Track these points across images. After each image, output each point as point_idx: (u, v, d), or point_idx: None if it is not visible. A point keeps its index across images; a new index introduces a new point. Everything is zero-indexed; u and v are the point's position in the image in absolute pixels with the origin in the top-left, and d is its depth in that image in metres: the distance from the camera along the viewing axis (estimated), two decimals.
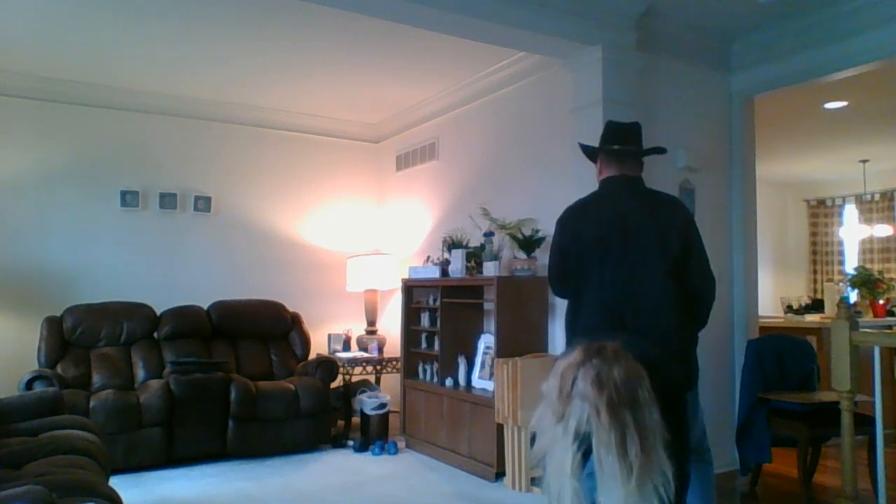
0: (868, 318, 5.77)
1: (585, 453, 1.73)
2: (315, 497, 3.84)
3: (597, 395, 1.71)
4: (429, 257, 5.24)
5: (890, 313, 5.96)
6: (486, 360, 4.53)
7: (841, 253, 8.94)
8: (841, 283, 7.29)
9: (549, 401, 1.80)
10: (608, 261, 2.33)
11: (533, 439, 1.89)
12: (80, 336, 4.75)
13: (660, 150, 2.59)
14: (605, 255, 2.33)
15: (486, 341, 4.59)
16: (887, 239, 8.19)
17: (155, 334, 5.01)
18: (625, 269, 2.31)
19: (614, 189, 2.46)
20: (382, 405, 5.00)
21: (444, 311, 4.72)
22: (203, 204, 5.69)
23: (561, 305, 4.12)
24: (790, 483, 4.05)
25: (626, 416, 1.70)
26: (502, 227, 4.46)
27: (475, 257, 4.59)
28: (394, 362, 5.48)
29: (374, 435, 4.93)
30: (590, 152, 2.61)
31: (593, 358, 1.78)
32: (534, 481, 3.86)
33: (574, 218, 2.49)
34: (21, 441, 2.83)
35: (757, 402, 3.80)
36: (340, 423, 5.33)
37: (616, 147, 2.48)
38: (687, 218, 2.40)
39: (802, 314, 5.98)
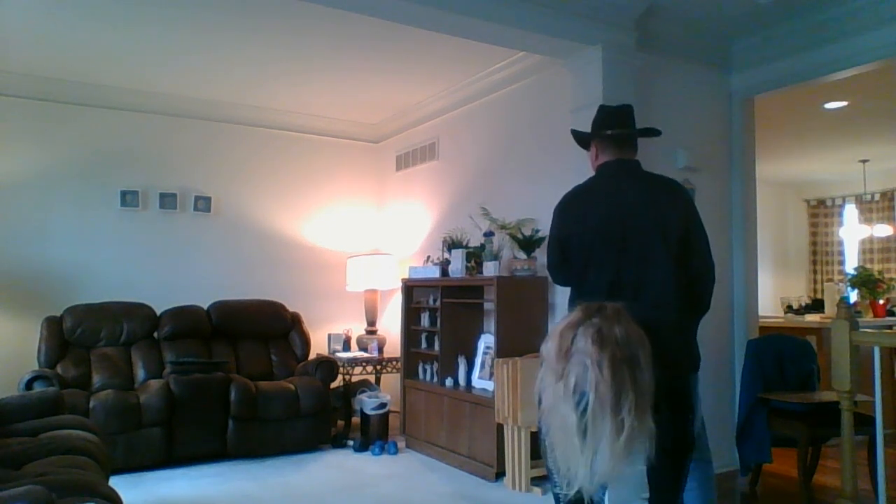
0: (868, 318, 5.77)
1: (584, 411, 1.72)
2: (315, 497, 3.84)
3: (598, 351, 1.69)
4: (429, 257, 5.24)
5: (890, 313, 5.96)
6: (486, 360, 4.53)
7: (841, 253, 8.95)
8: (841, 283, 7.29)
9: (548, 362, 1.79)
10: (609, 246, 2.31)
11: (539, 402, 1.88)
12: (80, 336, 4.75)
13: (654, 132, 2.56)
14: (605, 241, 2.31)
15: (486, 341, 4.59)
16: (887, 239, 8.19)
17: (155, 334, 5.02)
18: (626, 254, 2.29)
19: (613, 174, 2.43)
20: (382, 405, 5.00)
21: (444, 311, 4.72)
22: (203, 204, 5.69)
23: (561, 305, 4.13)
24: (790, 483, 4.05)
25: (625, 374, 1.69)
26: (502, 227, 4.46)
27: (475, 257, 4.59)
28: (394, 362, 5.49)
29: (374, 435, 4.93)
30: (583, 139, 2.59)
31: (593, 316, 1.76)
32: (534, 481, 3.87)
33: (573, 204, 2.47)
34: (21, 441, 2.83)
35: (757, 402, 3.80)
36: (340, 423, 5.33)
37: (611, 132, 2.44)
38: (687, 201, 2.38)
39: (802, 314, 5.99)
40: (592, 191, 2.45)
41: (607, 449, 1.66)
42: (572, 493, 1.77)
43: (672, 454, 1.87)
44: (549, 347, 1.80)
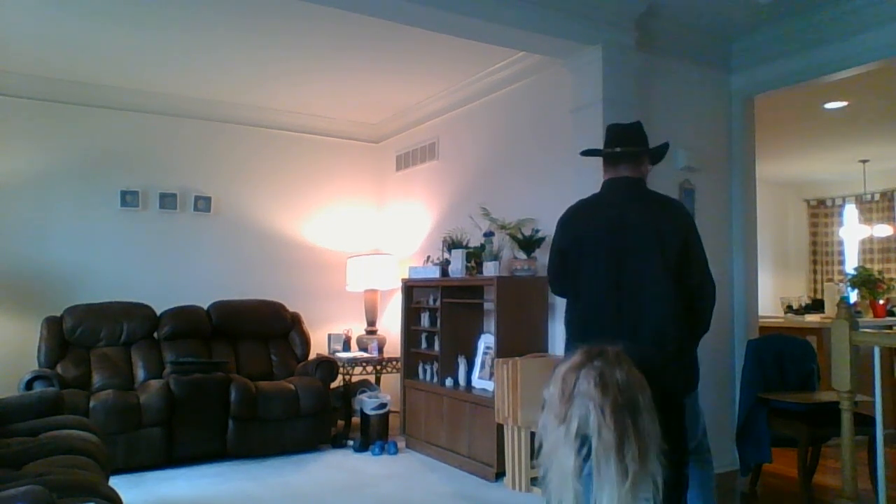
0: (868, 318, 5.77)
1: (586, 456, 1.73)
2: (315, 497, 3.84)
3: (601, 395, 1.71)
4: (429, 257, 5.24)
5: (890, 313, 5.96)
6: (486, 360, 4.53)
7: (841, 253, 8.94)
8: (841, 283, 7.28)
9: (551, 405, 1.80)
10: (607, 262, 2.33)
11: (540, 447, 1.89)
12: (80, 336, 4.75)
13: (659, 151, 2.57)
14: (603, 257, 2.34)
15: (486, 341, 4.59)
16: (887, 239, 8.19)
17: (155, 334, 5.01)
18: (623, 271, 2.31)
19: (612, 191, 2.48)
20: (382, 405, 5.00)
21: (444, 311, 4.72)
22: (203, 204, 5.69)
23: (560, 305, 4.12)
24: (790, 483, 4.05)
25: (626, 420, 1.70)
26: (502, 227, 4.46)
27: (475, 257, 4.59)
28: (394, 362, 5.49)
29: (374, 435, 4.93)
30: (594, 155, 2.64)
31: (595, 360, 1.78)
32: (534, 481, 3.87)
33: (574, 219, 2.51)
34: (21, 441, 2.83)
35: (757, 402, 3.80)
36: (340, 423, 5.33)
37: (607, 150, 2.50)
38: (687, 221, 2.40)
39: (802, 314, 5.98)
40: (594, 206, 2.51)
41: (615, 493, 1.67)
42: None
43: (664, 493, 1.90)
44: (551, 392, 1.81)
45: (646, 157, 2.52)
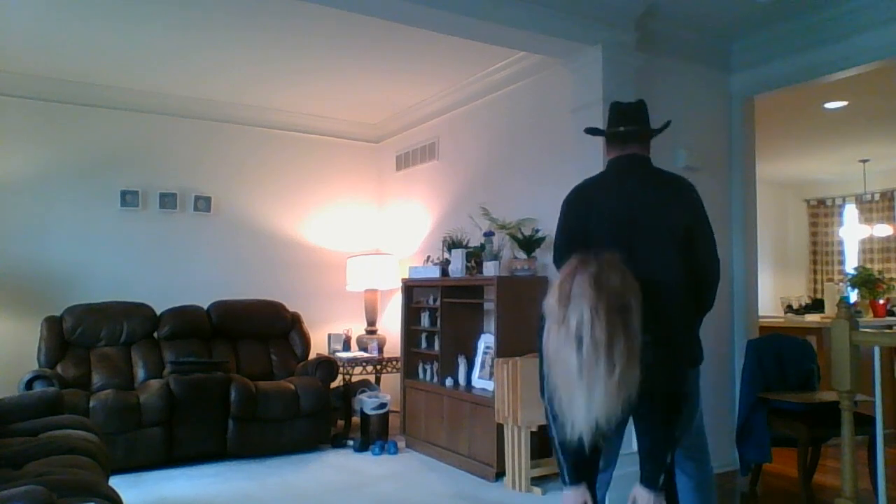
0: (868, 318, 5.77)
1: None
2: (315, 497, 3.84)
3: (595, 295, 1.75)
4: (429, 257, 5.24)
5: (890, 313, 5.97)
6: (486, 360, 4.53)
7: (841, 253, 8.95)
8: (841, 283, 7.29)
9: (550, 312, 1.84)
10: (615, 239, 2.31)
11: (542, 352, 1.93)
12: (80, 336, 4.75)
13: (657, 131, 2.57)
14: (610, 234, 2.32)
15: (486, 341, 4.59)
16: (887, 239, 8.19)
17: (155, 334, 5.02)
18: (631, 247, 2.29)
19: (618, 169, 2.46)
20: (382, 405, 5.00)
21: (444, 311, 4.72)
22: (203, 204, 5.69)
23: None
24: (790, 483, 4.05)
25: (617, 320, 1.75)
26: (502, 227, 4.46)
27: (475, 257, 4.59)
28: (394, 362, 5.49)
29: (374, 435, 4.93)
30: (597, 135, 2.63)
31: (590, 264, 1.83)
32: (534, 481, 3.87)
33: (579, 197, 2.49)
34: (21, 441, 2.83)
35: (757, 402, 3.80)
36: (340, 423, 5.33)
37: (612, 130, 2.48)
38: (693, 197, 2.37)
39: (802, 314, 5.99)
40: (599, 186, 2.47)
41: (603, 388, 1.73)
42: (575, 435, 1.82)
43: (664, 399, 1.94)
44: (549, 302, 1.85)
45: (650, 135, 2.52)
